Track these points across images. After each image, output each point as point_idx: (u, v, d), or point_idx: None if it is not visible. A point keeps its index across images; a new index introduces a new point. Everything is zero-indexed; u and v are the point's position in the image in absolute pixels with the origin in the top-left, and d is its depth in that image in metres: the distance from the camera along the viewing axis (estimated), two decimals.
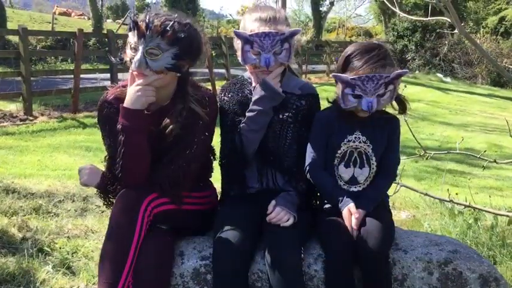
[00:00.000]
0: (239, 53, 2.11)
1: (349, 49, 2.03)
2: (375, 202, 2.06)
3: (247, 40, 2.04)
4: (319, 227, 2.08)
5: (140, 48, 1.90)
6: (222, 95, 2.22)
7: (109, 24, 23.45)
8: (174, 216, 2.03)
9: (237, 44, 2.13)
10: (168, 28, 1.90)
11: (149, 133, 2.00)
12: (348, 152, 2.08)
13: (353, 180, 2.09)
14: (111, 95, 2.10)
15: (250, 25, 2.08)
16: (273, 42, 2.02)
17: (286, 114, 2.13)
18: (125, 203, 1.93)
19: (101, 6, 24.98)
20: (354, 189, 2.09)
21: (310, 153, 2.11)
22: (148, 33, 1.89)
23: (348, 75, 1.98)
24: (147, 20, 1.90)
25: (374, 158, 2.08)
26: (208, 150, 2.21)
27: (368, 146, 2.07)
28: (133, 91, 1.94)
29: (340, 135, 2.08)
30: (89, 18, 26.12)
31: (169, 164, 2.02)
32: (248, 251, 1.95)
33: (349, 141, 2.07)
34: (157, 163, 2.02)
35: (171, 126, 1.99)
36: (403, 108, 2.12)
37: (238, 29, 2.17)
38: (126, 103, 1.95)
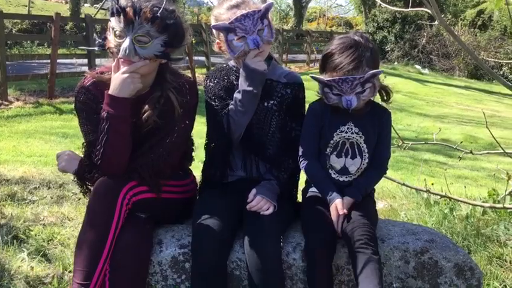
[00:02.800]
0: (224, 47, 2.08)
1: (329, 47, 2.05)
2: (364, 192, 2.08)
3: (228, 29, 2.02)
4: (301, 215, 2.09)
5: (128, 35, 1.86)
6: (208, 81, 2.20)
7: (87, 9, 23.01)
8: (152, 204, 2.02)
9: (217, 41, 2.11)
10: (158, 15, 1.87)
11: (134, 118, 1.99)
12: (340, 142, 2.09)
13: (344, 171, 2.10)
14: (88, 80, 2.06)
15: (225, 15, 2.06)
16: (254, 21, 2.01)
17: (272, 102, 2.13)
18: (103, 190, 1.91)
19: None
20: (344, 179, 2.10)
21: (303, 144, 2.12)
22: (137, 20, 1.86)
23: (324, 77, 2.02)
24: (135, 7, 1.86)
25: (366, 150, 2.09)
26: (188, 139, 2.19)
27: (360, 137, 2.08)
28: (120, 79, 1.90)
29: (333, 126, 2.09)
30: (66, 2, 25.61)
31: (149, 152, 2.00)
32: (227, 240, 1.95)
33: (341, 131, 2.08)
34: (136, 152, 2.00)
35: (147, 113, 1.97)
36: (387, 97, 2.15)
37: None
38: (113, 91, 1.91)
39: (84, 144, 2.07)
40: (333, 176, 2.11)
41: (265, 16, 2.05)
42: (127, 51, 1.86)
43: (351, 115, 2.06)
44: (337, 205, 1.99)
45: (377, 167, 2.15)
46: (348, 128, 2.08)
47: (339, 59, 1.98)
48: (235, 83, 2.15)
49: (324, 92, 2.04)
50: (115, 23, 1.90)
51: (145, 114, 1.97)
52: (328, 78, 2.00)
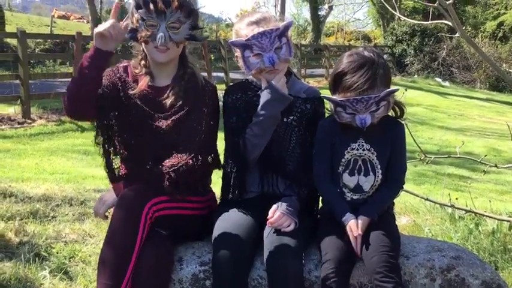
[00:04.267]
0: (241, 63, 2.08)
1: (340, 66, 1.99)
2: (380, 210, 2.01)
3: (245, 46, 2.02)
4: (318, 233, 2.05)
5: (162, 24, 2.00)
6: (226, 96, 2.20)
7: None
8: (173, 220, 2.01)
9: (237, 55, 2.11)
10: (185, 3, 2.02)
11: (154, 116, 2.07)
12: (352, 160, 2.05)
13: (358, 189, 2.05)
14: (123, 64, 2.20)
15: (244, 31, 2.06)
16: (271, 39, 2.00)
17: (291, 117, 2.11)
18: (128, 204, 1.90)
19: (100, 10, 24.94)
20: (359, 197, 2.05)
21: (315, 163, 2.09)
22: (169, 9, 2.00)
23: (337, 97, 1.97)
24: None
25: (379, 166, 2.04)
26: (215, 142, 2.20)
27: (372, 153, 2.03)
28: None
29: (343, 144, 2.05)
30: (87, 22, 26.09)
31: (179, 153, 2.03)
32: (247, 258, 1.93)
33: (352, 149, 2.04)
34: (166, 154, 2.04)
35: (174, 89, 2.09)
36: (401, 113, 2.10)
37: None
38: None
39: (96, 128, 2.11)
40: (347, 194, 2.06)
41: (284, 34, 2.04)
42: (164, 39, 2.00)
43: (361, 131, 2.00)
44: (351, 226, 1.93)
45: (393, 182, 2.08)
46: (358, 145, 2.03)
47: (352, 79, 1.93)
48: (254, 99, 2.13)
49: (337, 111, 1.99)
50: (145, 14, 2.01)
51: (172, 91, 2.09)
52: (341, 99, 1.95)
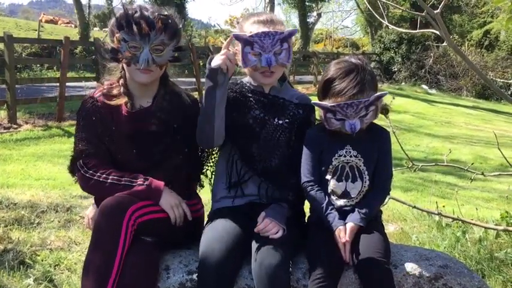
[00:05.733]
0: (238, 57, 2.08)
1: (329, 73, 2.02)
2: (368, 217, 2.02)
3: (247, 41, 2.02)
4: (307, 242, 2.04)
5: (146, 46, 1.99)
6: None
7: (96, 32, 23.33)
8: (158, 225, 1.99)
9: (235, 48, 2.11)
10: (169, 25, 2.02)
11: (139, 135, 2.09)
12: (340, 166, 2.06)
13: (346, 195, 2.05)
14: (98, 91, 2.16)
15: (249, 28, 2.07)
16: (273, 41, 2.01)
17: (283, 120, 2.14)
18: (109, 211, 1.88)
19: (88, 14, 24.81)
20: (347, 203, 2.05)
21: (304, 171, 2.09)
22: (153, 32, 1.98)
23: (327, 103, 1.99)
24: (148, 19, 1.98)
25: (366, 172, 2.06)
26: (197, 157, 2.23)
27: (359, 160, 2.05)
28: None
29: (331, 151, 2.06)
30: (75, 26, 25.99)
31: (167, 166, 2.11)
32: (234, 267, 1.91)
33: (340, 156, 2.06)
34: (154, 167, 2.09)
35: (158, 110, 2.10)
36: (386, 112, 2.13)
37: (225, 38, 2.18)
38: None
39: (73, 152, 2.14)
40: (335, 201, 2.06)
41: (287, 40, 2.05)
42: (148, 62, 1.99)
43: (349, 138, 2.03)
44: (340, 233, 1.95)
45: (379, 189, 2.09)
46: (346, 152, 2.05)
47: (341, 85, 1.95)
48: (247, 95, 2.16)
49: (327, 117, 2.01)
50: (127, 36, 1.99)
51: (155, 119, 2.09)
52: (332, 104, 1.97)
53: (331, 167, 2.06)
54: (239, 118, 2.12)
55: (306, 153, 2.10)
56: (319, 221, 2.07)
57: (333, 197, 2.07)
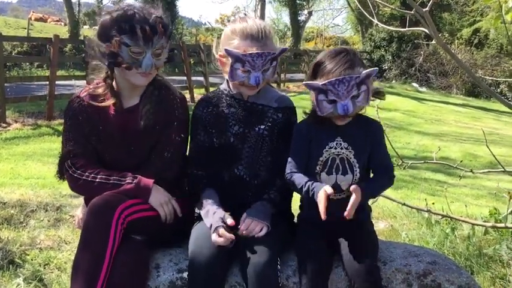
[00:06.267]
0: (226, 69, 2.07)
1: (317, 57, 2.03)
2: (370, 195, 2.03)
3: (239, 59, 2.01)
4: (295, 242, 2.03)
5: (148, 51, 1.99)
6: (197, 109, 2.19)
7: (86, 30, 23.17)
8: (148, 223, 1.99)
9: (222, 57, 2.10)
10: (167, 27, 2.03)
11: (127, 133, 2.08)
12: (330, 158, 2.04)
13: (336, 188, 2.02)
14: (85, 91, 2.14)
15: (242, 43, 2.03)
16: (265, 61, 2.01)
17: (262, 127, 2.12)
18: (98, 210, 1.88)
19: (78, 12, 24.67)
20: (338, 197, 2.03)
21: (290, 163, 2.07)
22: (155, 37, 1.98)
23: (318, 82, 1.96)
24: (151, 24, 1.97)
25: (357, 165, 2.03)
26: (185, 152, 2.22)
27: (350, 152, 2.03)
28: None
29: (321, 143, 2.04)
30: (65, 24, 25.82)
31: (149, 167, 2.08)
32: (224, 265, 1.91)
33: (330, 148, 2.03)
34: (136, 168, 2.07)
35: (146, 107, 2.07)
36: (381, 95, 2.09)
37: (218, 37, 2.16)
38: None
39: (61, 152, 2.13)
40: None
41: (276, 58, 2.06)
42: (151, 67, 2.00)
43: (339, 131, 2.02)
44: (326, 190, 1.88)
45: (384, 173, 2.06)
46: (336, 144, 2.03)
47: (332, 63, 1.94)
48: (225, 110, 2.13)
49: (318, 100, 1.96)
50: (130, 41, 1.96)
51: (143, 114, 2.07)
52: (323, 82, 1.93)
53: (321, 159, 2.04)
54: (220, 139, 2.12)
55: (294, 147, 2.08)
56: (308, 218, 2.07)
57: None
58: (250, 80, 2.01)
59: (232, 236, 1.89)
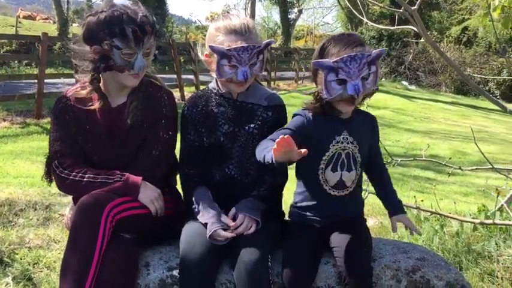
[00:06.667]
0: (213, 67, 2.06)
1: (323, 41, 1.96)
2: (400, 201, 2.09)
3: (224, 55, 1.99)
4: (284, 243, 2.01)
5: (139, 52, 1.98)
6: (186, 108, 2.18)
7: (75, 28, 23.01)
8: (137, 221, 1.98)
9: (208, 57, 2.09)
10: (155, 26, 2.02)
11: (115, 132, 2.07)
12: (336, 153, 1.97)
13: (340, 185, 1.99)
14: (70, 91, 2.13)
15: (226, 38, 2.01)
16: (251, 55, 2.00)
17: (252, 125, 2.10)
18: (86, 208, 1.87)
19: (67, 10, 24.50)
20: (342, 193, 2.01)
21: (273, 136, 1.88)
22: (146, 37, 1.98)
23: (329, 60, 1.84)
24: (140, 25, 1.95)
25: (359, 160, 2.00)
26: (173, 150, 2.21)
27: (355, 146, 1.98)
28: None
29: (328, 137, 1.97)
30: (54, 22, 25.64)
31: (137, 164, 2.07)
32: (215, 262, 1.92)
33: (337, 142, 1.96)
34: (124, 166, 2.05)
35: (133, 103, 2.06)
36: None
37: (205, 34, 2.16)
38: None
39: (48, 152, 2.11)
40: (328, 191, 2.00)
41: (263, 51, 2.05)
42: (143, 68, 2.00)
43: (345, 124, 1.96)
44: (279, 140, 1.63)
45: (385, 176, 2.13)
46: (343, 138, 1.97)
47: (341, 42, 1.87)
48: (214, 110, 2.13)
49: (327, 81, 1.84)
50: (121, 43, 1.94)
51: (130, 111, 2.06)
52: (335, 59, 1.82)
53: (328, 154, 1.97)
54: (210, 138, 2.11)
55: (288, 128, 1.93)
56: (299, 218, 2.07)
57: (326, 188, 2.00)
58: (238, 75, 2.00)
59: (231, 234, 1.90)
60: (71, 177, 2.02)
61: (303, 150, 1.66)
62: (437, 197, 3.63)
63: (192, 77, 13.69)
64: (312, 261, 1.94)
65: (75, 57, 2.04)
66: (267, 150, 1.76)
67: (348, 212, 2.05)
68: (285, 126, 2.00)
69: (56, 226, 3.37)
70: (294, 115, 2.02)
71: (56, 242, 3.11)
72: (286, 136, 1.63)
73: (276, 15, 37.95)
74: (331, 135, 1.97)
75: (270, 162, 1.73)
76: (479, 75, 13.68)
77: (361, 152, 2.00)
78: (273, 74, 17.41)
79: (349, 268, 1.86)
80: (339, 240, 1.94)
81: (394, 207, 2.07)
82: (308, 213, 2.05)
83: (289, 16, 29.59)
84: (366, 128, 2.05)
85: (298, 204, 2.10)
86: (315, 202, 2.04)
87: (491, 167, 3.37)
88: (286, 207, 2.21)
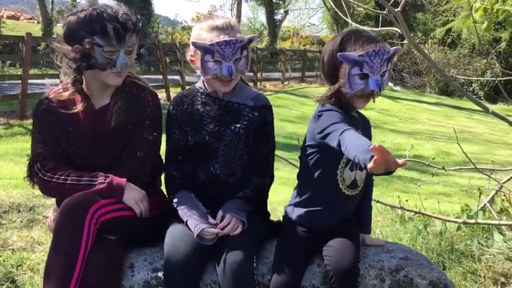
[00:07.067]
0: (198, 65, 2.06)
1: (339, 35, 1.91)
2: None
3: (207, 50, 1.99)
4: (276, 245, 2.02)
5: (121, 50, 1.96)
6: (171, 108, 2.17)
7: (59, 29, 22.83)
8: (122, 223, 1.98)
9: (193, 56, 2.09)
10: (137, 24, 2.00)
11: (98, 133, 2.05)
12: None
13: (353, 184, 2.01)
14: (52, 93, 2.11)
15: (209, 35, 2.02)
16: (234, 50, 1.99)
17: (238, 125, 2.10)
18: (70, 210, 1.85)
19: (51, 10, 24.28)
20: (353, 193, 2.02)
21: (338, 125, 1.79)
22: (127, 34, 1.96)
23: (354, 53, 1.81)
24: (122, 23, 1.94)
25: None
26: (158, 151, 2.20)
27: None
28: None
29: None
30: (38, 22, 25.41)
31: (121, 166, 2.06)
32: (199, 263, 1.92)
33: None
34: (108, 168, 2.04)
35: (117, 104, 2.05)
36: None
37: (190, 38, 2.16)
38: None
39: (30, 155, 2.09)
40: (343, 190, 2.00)
41: (246, 47, 2.04)
42: (125, 66, 1.98)
43: (356, 121, 1.96)
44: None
45: (371, 188, 2.19)
46: None
47: (363, 37, 1.84)
48: (200, 109, 2.12)
49: (351, 75, 1.81)
50: (103, 41, 1.93)
51: (113, 113, 2.05)
52: (361, 53, 1.79)
53: None
54: (195, 137, 2.11)
55: (337, 116, 1.85)
56: (295, 222, 2.07)
57: (342, 187, 2.00)
58: (223, 70, 1.99)
59: (218, 230, 1.91)
60: (53, 179, 2.01)
61: (401, 161, 1.50)
62: (421, 197, 3.67)
63: (178, 77, 13.66)
64: (306, 263, 1.96)
65: (57, 58, 2.03)
66: (361, 151, 1.57)
67: (349, 212, 2.09)
68: (331, 121, 1.82)
69: (39, 228, 3.34)
70: (324, 111, 1.90)
71: (39, 244, 3.08)
72: (378, 145, 1.48)
73: (262, 16, 38.09)
74: None
75: (363, 167, 1.57)
76: (463, 77, 13.83)
77: None
78: (259, 74, 17.43)
79: (338, 267, 1.86)
80: (332, 239, 1.95)
81: (365, 227, 2.18)
82: (315, 215, 2.04)
83: (275, 17, 29.69)
84: (365, 128, 2.07)
85: (304, 205, 2.07)
86: (327, 202, 2.02)
87: (474, 167, 3.42)
88: (271, 207, 2.22)
